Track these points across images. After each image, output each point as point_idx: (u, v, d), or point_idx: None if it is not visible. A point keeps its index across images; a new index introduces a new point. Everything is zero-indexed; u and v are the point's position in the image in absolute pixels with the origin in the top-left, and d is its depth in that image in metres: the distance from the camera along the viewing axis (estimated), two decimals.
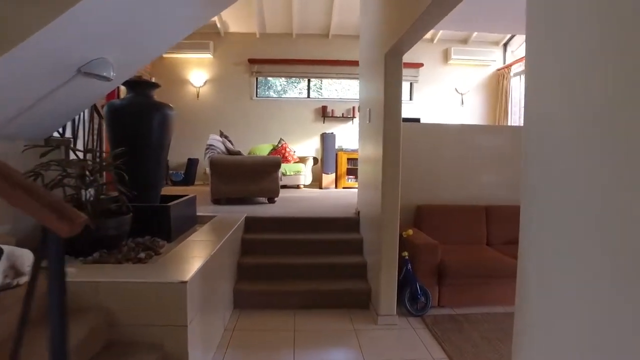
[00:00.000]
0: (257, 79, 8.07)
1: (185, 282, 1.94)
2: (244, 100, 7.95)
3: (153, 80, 7.45)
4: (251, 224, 3.95)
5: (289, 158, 7.34)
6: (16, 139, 2.68)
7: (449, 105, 8.13)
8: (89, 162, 2.84)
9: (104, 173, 3.34)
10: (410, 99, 8.14)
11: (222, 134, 5.64)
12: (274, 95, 8.36)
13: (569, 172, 0.89)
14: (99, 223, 2.42)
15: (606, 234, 0.79)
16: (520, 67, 7.50)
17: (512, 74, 7.61)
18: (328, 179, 7.39)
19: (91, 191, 2.54)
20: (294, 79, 8.30)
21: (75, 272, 1.97)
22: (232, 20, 7.54)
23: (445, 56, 8.03)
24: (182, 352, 1.92)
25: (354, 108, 7.88)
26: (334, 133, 7.59)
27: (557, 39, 0.96)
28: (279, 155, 6.64)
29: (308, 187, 7.33)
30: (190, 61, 7.84)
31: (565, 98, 0.92)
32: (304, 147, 8.03)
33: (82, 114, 4.13)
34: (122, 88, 5.19)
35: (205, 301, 2.33)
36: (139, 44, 2.86)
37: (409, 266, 3.31)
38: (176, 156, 7.64)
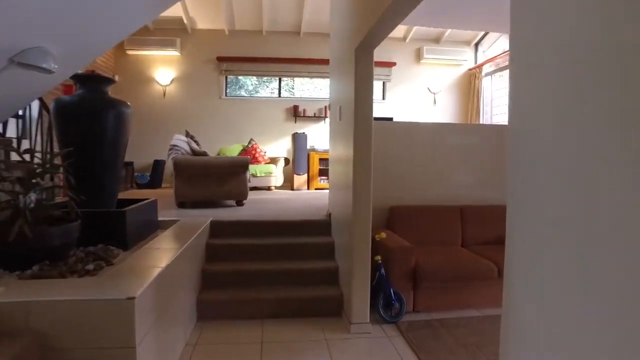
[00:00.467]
0: (226, 77, 7.81)
1: (133, 298, 1.72)
2: (213, 100, 7.67)
3: (116, 78, 7.13)
4: (217, 228, 3.73)
5: (260, 159, 7.12)
6: None
7: (421, 105, 8.09)
8: (35, 165, 2.56)
9: (61, 176, 3.05)
10: (383, 98, 8.05)
11: (187, 134, 5.37)
12: (246, 95, 8.11)
13: (555, 172, 0.86)
14: (39, 231, 2.16)
15: (596, 234, 0.75)
16: (490, 67, 7.54)
17: (483, 73, 7.64)
18: (300, 180, 7.20)
19: (31, 196, 2.27)
20: (265, 78, 8.06)
21: (3, 291, 1.72)
22: (200, 17, 7.26)
23: (418, 55, 7.99)
24: None
25: (326, 107, 7.71)
26: (306, 133, 7.42)
27: (543, 35, 0.90)
28: (248, 156, 6.41)
29: (279, 189, 7.12)
30: (156, 58, 7.50)
31: (550, 96, 0.87)
32: (275, 147, 7.81)
33: (29, 110, 3.82)
34: None
35: (160, 316, 2.11)
36: (82, 34, 2.59)
37: (382, 271, 3.18)
38: (142, 158, 7.32)
